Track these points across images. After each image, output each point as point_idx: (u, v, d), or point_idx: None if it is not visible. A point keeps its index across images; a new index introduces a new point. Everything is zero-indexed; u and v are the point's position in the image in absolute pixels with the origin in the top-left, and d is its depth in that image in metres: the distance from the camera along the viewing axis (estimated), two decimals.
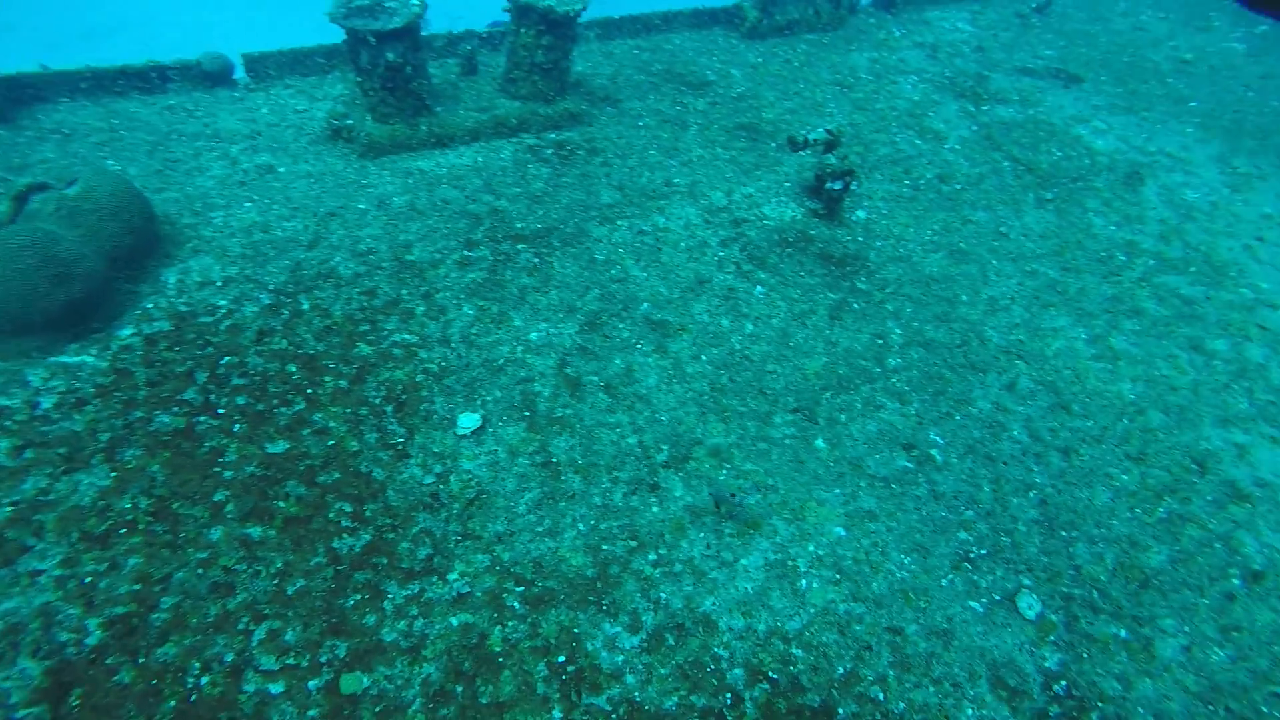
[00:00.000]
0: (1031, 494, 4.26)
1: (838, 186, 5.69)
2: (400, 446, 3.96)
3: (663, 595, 3.52)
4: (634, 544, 3.69)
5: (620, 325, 4.84)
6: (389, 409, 4.12)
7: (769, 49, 7.88)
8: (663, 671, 3.26)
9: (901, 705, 3.31)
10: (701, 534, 3.80)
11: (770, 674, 3.32)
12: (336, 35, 5.69)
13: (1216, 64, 8.98)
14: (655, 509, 3.88)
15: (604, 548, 3.65)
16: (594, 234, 5.44)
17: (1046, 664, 3.56)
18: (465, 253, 5.10)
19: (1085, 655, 3.63)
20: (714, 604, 3.52)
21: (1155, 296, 5.66)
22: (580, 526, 3.73)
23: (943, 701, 3.36)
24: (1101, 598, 3.85)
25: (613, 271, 5.19)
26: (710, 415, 4.39)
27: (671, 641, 3.37)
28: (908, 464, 4.31)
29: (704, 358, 4.72)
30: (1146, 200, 6.64)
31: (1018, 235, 6.01)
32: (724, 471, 4.10)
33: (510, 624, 3.33)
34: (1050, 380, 4.90)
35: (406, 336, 4.53)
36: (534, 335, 4.67)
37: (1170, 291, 5.73)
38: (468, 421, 4.06)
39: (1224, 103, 8.23)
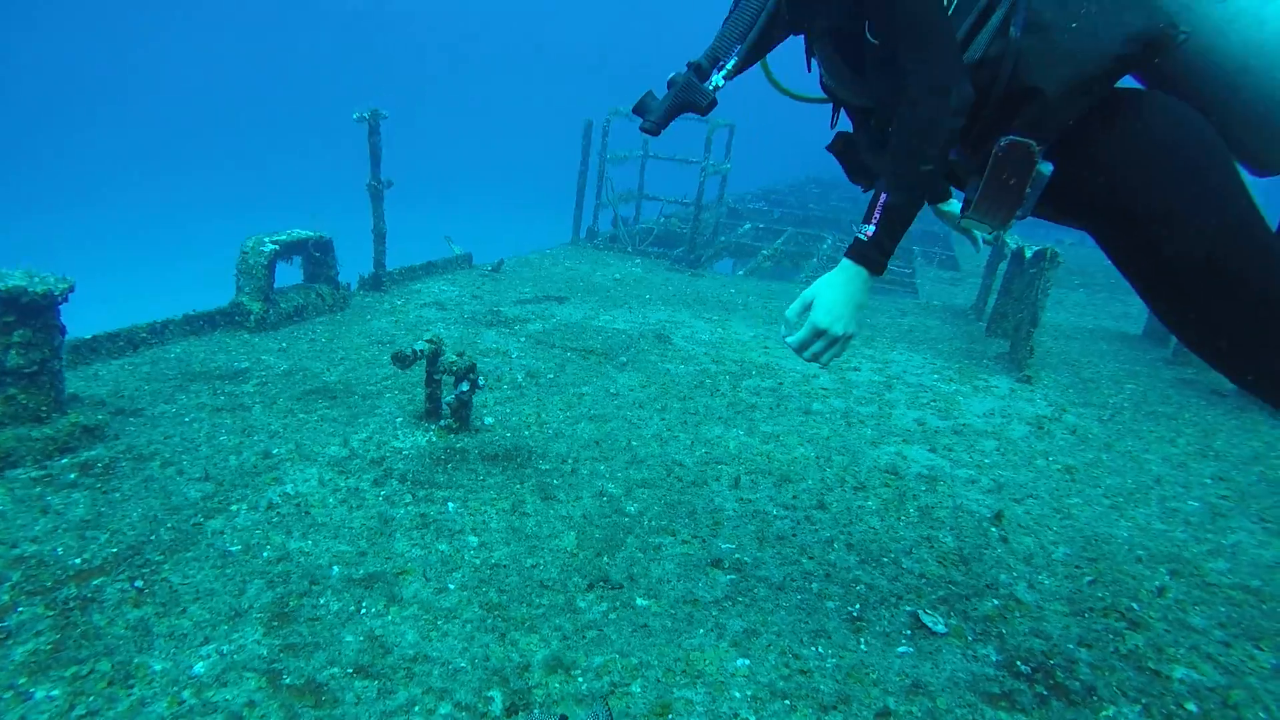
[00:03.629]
0: (836, 545, 4.13)
1: (464, 388, 5.19)
2: None
3: None
4: None
5: (321, 600, 3.32)
6: None
7: (288, 334, 7.14)
8: None
9: None
10: None
11: None
12: None
13: (635, 278, 11.45)
14: None
15: None
16: (208, 529, 3.79)
17: (993, 658, 3.28)
18: None
19: (1001, 631, 3.47)
20: None
21: (754, 394, 6.46)
22: None
23: None
24: (956, 585, 3.82)
25: (265, 555, 3.63)
26: (512, 632, 3.20)
27: None
28: (731, 576, 3.78)
29: (451, 586, 3.52)
30: (681, 347, 7.76)
31: (625, 391, 6.30)
32: (578, 678, 2.96)
33: None
34: (757, 468, 5.02)
35: None
36: (200, 667, 2.85)
37: (758, 388, 6.62)
38: None
39: (667, 293, 10.45)
